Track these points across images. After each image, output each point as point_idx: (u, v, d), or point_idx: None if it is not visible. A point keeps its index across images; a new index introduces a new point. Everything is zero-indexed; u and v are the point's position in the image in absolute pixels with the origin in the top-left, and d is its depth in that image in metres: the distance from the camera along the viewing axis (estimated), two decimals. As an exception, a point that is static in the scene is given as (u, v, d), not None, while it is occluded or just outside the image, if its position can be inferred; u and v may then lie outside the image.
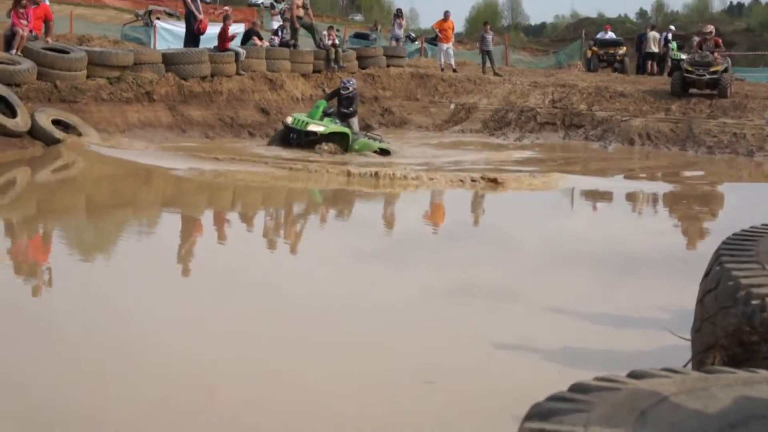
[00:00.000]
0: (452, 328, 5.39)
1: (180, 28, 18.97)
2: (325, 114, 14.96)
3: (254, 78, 18.26)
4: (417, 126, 20.13)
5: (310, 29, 21.02)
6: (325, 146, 14.70)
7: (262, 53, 18.80)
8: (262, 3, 41.26)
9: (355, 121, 15.61)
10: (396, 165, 13.56)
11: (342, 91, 15.63)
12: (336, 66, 20.45)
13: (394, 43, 24.30)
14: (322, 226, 9.54)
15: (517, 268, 7.33)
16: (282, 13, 20.61)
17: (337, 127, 14.93)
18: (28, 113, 13.65)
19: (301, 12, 20.56)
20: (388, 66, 21.86)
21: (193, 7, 17.99)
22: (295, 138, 14.72)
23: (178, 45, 19.50)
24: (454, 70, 22.73)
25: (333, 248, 7.87)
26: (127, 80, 15.81)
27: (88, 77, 15.38)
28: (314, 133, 14.65)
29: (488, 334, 5.18)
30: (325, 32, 20.94)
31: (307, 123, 14.65)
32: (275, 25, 20.19)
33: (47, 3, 16.21)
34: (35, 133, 13.53)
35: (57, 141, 13.49)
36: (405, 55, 23.47)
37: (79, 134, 14.01)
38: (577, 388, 1.81)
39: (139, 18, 25.83)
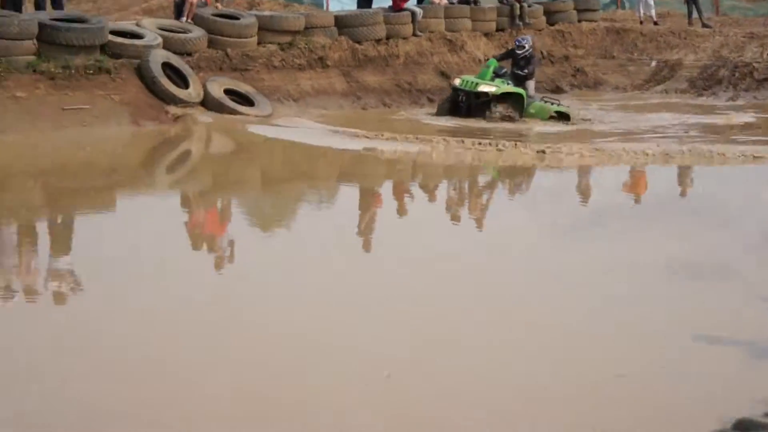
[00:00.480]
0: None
1: (356, -13, 18.13)
2: (497, 75, 14.16)
3: (432, 39, 17.27)
4: (613, 87, 18.55)
5: (493, -16, 19.75)
6: (497, 108, 13.84)
7: (440, 12, 17.75)
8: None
9: (531, 84, 14.68)
10: (597, 134, 12.18)
11: (517, 51, 14.67)
12: (521, 23, 19.10)
13: (585, -6, 22.49)
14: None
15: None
16: (461, -33, 19.33)
17: (510, 87, 14.10)
18: (200, 83, 13.23)
19: (482, -36, 19.30)
20: (579, 21, 20.23)
21: (366, -35, 17.07)
22: (464, 100, 13.99)
23: (352, 6, 18.68)
24: (655, 23, 20.78)
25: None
26: (299, 46, 15.19)
27: (258, 44, 14.84)
28: (485, 94, 13.90)
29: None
30: (509, -14, 19.57)
31: (476, 84, 13.94)
32: (454, -20, 18.95)
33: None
34: (207, 103, 13.15)
35: (232, 112, 13.01)
36: (599, 8, 21.67)
37: (252, 104, 13.48)
38: None
39: None
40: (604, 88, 18.52)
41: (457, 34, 17.76)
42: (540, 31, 19.23)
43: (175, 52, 13.47)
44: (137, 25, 13.83)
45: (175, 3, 14.71)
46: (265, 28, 14.92)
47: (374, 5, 17.71)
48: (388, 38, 16.53)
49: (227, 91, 13.46)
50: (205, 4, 14.80)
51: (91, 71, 12.19)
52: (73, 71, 11.96)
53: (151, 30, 13.61)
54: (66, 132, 11.06)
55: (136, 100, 12.39)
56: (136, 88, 12.50)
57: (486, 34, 18.59)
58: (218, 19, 14.47)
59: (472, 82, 14.01)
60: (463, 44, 17.67)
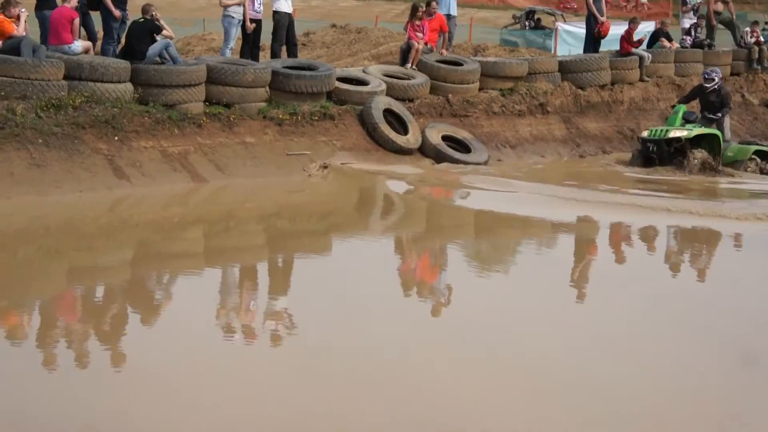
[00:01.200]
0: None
1: (583, 29, 18.15)
2: (687, 121, 13.68)
3: (660, 84, 17.09)
4: None
5: (730, 25, 19.17)
6: (695, 156, 13.17)
7: (670, 56, 17.46)
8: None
9: (727, 124, 13.93)
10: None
11: (705, 85, 13.87)
12: (759, 67, 18.42)
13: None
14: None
15: None
16: (695, 9, 18.89)
17: (703, 129, 13.51)
18: (419, 129, 13.77)
19: (720, 6, 18.80)
20: (830, 64, 19.17)
21: (594, 9, 17.07)
22: (655, 150, 13.46)
23: (579, 50, 18.70)
24: None
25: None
26: (520, 91, 15.45)
27: (480, 89, 15.24)
28: (678, 140, 13.31)
29: None
30: (747, 29, 18.91)
31: (666, 131, 13.47)
32: (687, 23, 18.57)
33: (450, 13, 16.21)
34: (425, 149, 13.64)
35: (447, 158, 13.47)
36: None
37: (468, 150, 13.87)
38: None
39: (517, 21, 25.19)
40: None
41: (687, 79, 17.37)
42: (779, 75, 18.45)
43: (397, 98, 14.10)
44: (364, 71, 14.56)
45: (402, 49, 15.33)
46: (488, 74, 15.29)
47: (603, 48, 17.70)
48: (612, 83, 16.51)
49: (445, 137, 13.92)
50: (431, 51, 15.33)
51: (316, 117, 12.99)
52: (299, 117, 12.81)
53: (376, 76, 14.31)
54: (288, 177, 11.85)
55: (356, 145, 13.07)
56: (357, 134, 13.20)
57: (719, 79, 18.02)
58: (441, 65, 14.96)
59: (661, 130, 13.57)
60: (693, 90, 17.23)
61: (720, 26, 19.27)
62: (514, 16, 26.28)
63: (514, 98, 15.34)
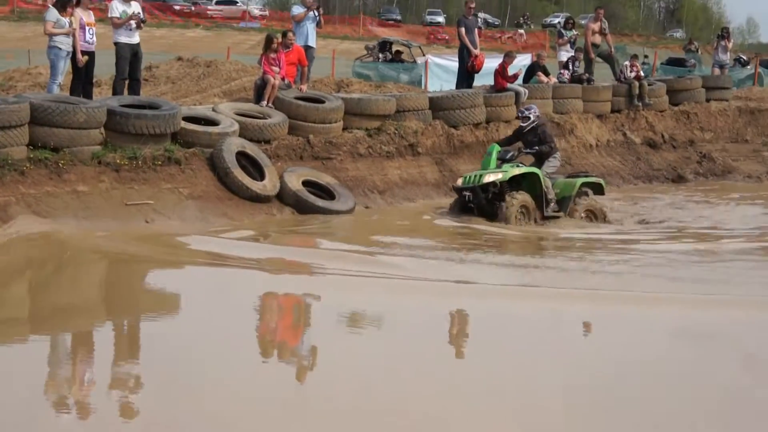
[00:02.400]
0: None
1: (455, 62, 18.43)
2: (503, 161, 13.39)
3: (538, 122, 17.30)
4: (745, 175, 18.15)
5: (609, 59, 19.82)
6: (513, 197, 12.87)
7: (548, 92, 17.88)
8: (559, 22, 39.83)
9: (552, 161, 13.69)
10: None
11: (522, 123, 13.86)
12: (641, 103, 19.07)
13: (717, 70, 22.30)
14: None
15: None
16: (573, 41, 19.46)
17: (520, 169, 13.29)
18: (277, 174, 13.55)
19: (597, 39, 19.39)
20: (708, 100, 20.03)
21: (467, 41, 17.34)
22: (472, 200, 13.19)
23: (451, 85, 18.97)
24: (796, 102, 20.41)
25: None
26: (388, 131, 15.47)
27: (344, 129, 15.19)
28: (493, 184, 13.05)
29: None
30: (626, 63, 19.57)
31: (480, 176, 13.16)
32: (564, 56, 19.08)
33: (309, 44, 16.12)
34: (284, 196, 13.41)
35: (313, 208, 13.25)
36: (731, 86, 21.41)
37: (332, 197, 13.71)
38: None
39: (370, 53, 25.46)
40: (733, 176, 18.18)
41: (566, 117, 17.85)
42: (662, 112, 19.11)
43: (252, 140, 13.84)
44: (213, 110, 14.29)
45: (256, 85, 15.12)
46: (353, 112, 15.25)
47: (477, 83, 17.97)
48: (488, 121, 16.76)
49: (306, 183, 13.72)
50: (289, 87, 15.19)
51: (160, 162, 12.62)
52: (140, 162, 12.41)
53: (227, 115, 14.04)
54: (126, 229, 11.39)
55: (206, 193, 12.73)
56: (206, 180, 12.87)
57: (599, 116, 18.61)
58: (301, 102, 14.82)
59: (475, 176, 13.24)
60: (572, 128, 17.76)
61: (598, 59, 19.87)
62: (367, 47, 26.50)
63: (381, 138, 15.35)
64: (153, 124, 12.74)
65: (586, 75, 18.80)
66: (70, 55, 13.38)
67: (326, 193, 13.83)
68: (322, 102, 15.08)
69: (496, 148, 13.55)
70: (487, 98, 16.78)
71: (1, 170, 11.20)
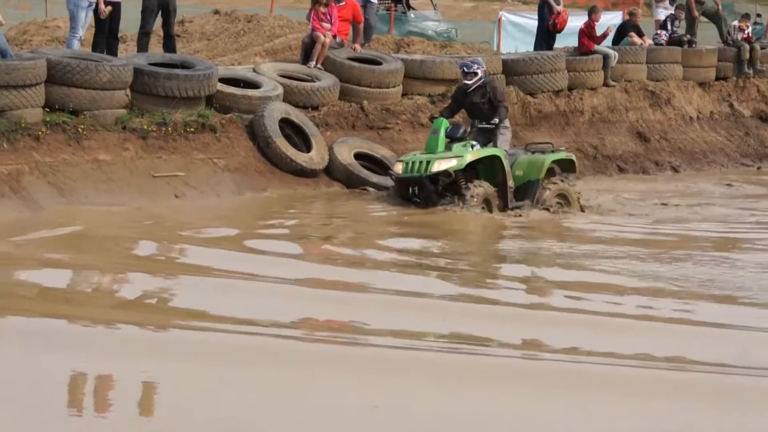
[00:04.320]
0: None
1: (533, 20, 18.38)
2: (452, 139, 12.29)
3: (629, 90, 17.41)
4: None
5: (715, 18, 19.65)
6: (473, 189, 11.97)
7: (641, 55, 17.78)
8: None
9: (505, 135, 12.71)
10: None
11: (465, 82, 12.70)
12: (751, 70, 18.90)
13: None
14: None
15: None
16: (673, -2, 19.38)
17: (477, 152, 12.26)
18: (326, 145, 13.66)
19: (703, -7, 19.31)
20: (832, 66, 19.80)
21: (549, -6, 17.31)
22: (419, 194, 12.08)
23: (528, 46, 18.94)
24: None
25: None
26: (454, 98, 15.46)
27: (403, 95, 15.27)
28: (446, 174, 11.97)
29: None
30: (735, 23, 19.41)
31: (428, 162, 12.03)
32: (662, 14, 18.96)
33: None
34: (333, 170, 13.56)
35: (365, 183, 13.41)
36: None
37: (388, 171, 13.79)
38: None
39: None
40: None
41: (662, 84, 17.74)
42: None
43: (298, 106, 13.99)
44: (254, 70, 14.43)
45: (304, 43, 15.19)
46: (413, 75, 15.33)
47: (558, 44, 17.91)
48: (570, 89, 16.75)
49: (359, 156, 13.86)
50: (341, 45, 15.28)
51: (192, 129, 12.80)
52: (170, 129, 12.60)
53: (270, 77, 14.16)
54: (154, 205, 11.61)
55: (244, 165, 12.92)
56: (245, 151, 13.05)
57: (702, 84, 18.48)
58: (355, 64, 14.92)
59: (421, 162, 12.06)
60: (669, 97, 17.69)
61: (703, 19, 19.72)
62: None
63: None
64: (185, 86, 12.90)
65: (688, 36, 18.68)
66: (93, 6, 13.56)
67: (381, 167, 13.92)
68: (379, 63, 15.15)
69: (444, 123, 12.35)
70: (570, 62, 16.74)
71: (14, 134, 11.46)
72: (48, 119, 11.93)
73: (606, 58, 17.01)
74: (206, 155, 12.78)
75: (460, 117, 13.43)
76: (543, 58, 16.58)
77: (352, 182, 13.45)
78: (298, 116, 13.79)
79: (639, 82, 17.56)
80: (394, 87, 15.07)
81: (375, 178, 13.56)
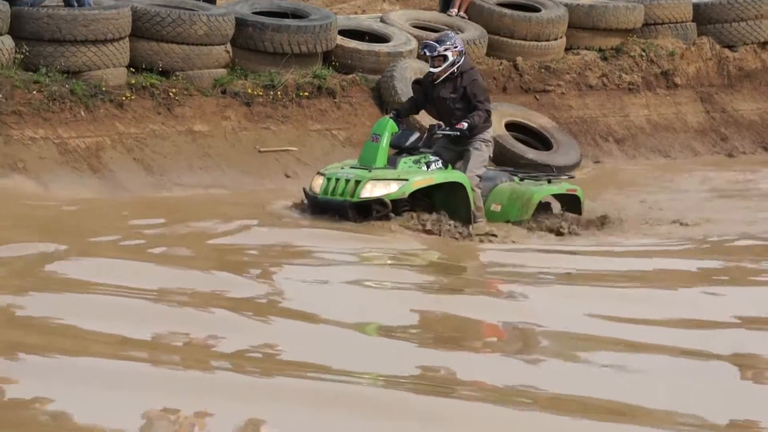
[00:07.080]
0: None
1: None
2: (400, 150, 10.66)
3: None
4: None
5: None
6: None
7: None
8: None
9: (479, 151, 10.70)
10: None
11: (432, 69, 10.80)
12: None
13: None
14: None
15: None
16: None
17: (431, 174, 10.56)
18: (470, 111, 13.69)
19: None
20: None
21: None
22: (345, 215, 10.35)
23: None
24: None
25: None
26: (631, 53, 15.54)
27: (567, 49, 15.31)
28: (381, 203, 10.24)
29: None
30: None
31: (357, 183, 10.35)
32: None
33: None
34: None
35: (519, 160, 13.33)
36: None
37: (549, 146, 13.77)
38: None
39: None
40: None
41: None
42: None
43: (424, 62, 14.09)
44: (382, 20, 14.54)
45: (443, -13, 15.31)
46: (580, 25, 15.38)
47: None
48: (780, 40, 16.52)
49: (511, 126, 13.90)
50: (489, -11, 15.29)
51: (306, 93, 12.96)
52: (279, 93, 12.76)
53: (401, 28, 14.30)
54: (260, 185, 11.75)
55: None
56: (371, 119, 13.08)
57: None
58: (506, 11, 15.00)
59: (348, 181, 10.38)
60: None
61: None
62: None
63: (621, 63, 15.39)
64: (298, 40, 13.10)
65: None
66: (187, -59, 13.80)
67: (539, 140, 13.97)
68: (537, 10, 15.20)
69: (390, 125, 10.64)
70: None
71: (93, 100, 11.74)
72: (133, 81, 12.20)
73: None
74: (323, 125, 12.97)
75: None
76: (746, 0, 16.32)
77: (503, 158, 13.39)
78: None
79: None
80: (555, 40, 15.12)
81: (531, 153, 13.53)
